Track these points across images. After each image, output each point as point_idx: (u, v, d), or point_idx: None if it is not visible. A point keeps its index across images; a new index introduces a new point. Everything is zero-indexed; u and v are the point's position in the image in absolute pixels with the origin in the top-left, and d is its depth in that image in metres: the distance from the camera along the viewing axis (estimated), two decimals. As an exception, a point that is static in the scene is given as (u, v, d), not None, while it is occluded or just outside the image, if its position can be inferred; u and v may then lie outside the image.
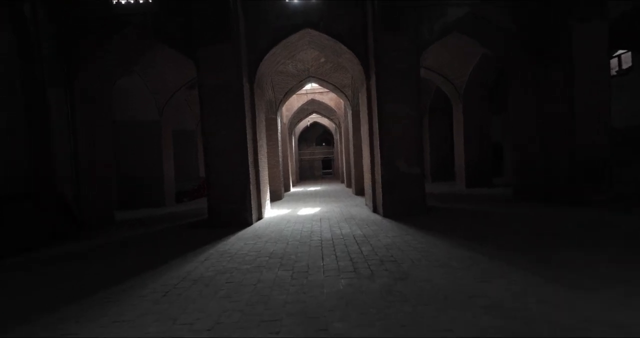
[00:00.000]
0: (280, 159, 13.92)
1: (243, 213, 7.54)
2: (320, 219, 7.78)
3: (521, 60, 8.88)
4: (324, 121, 26.95)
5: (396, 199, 7.50)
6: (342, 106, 17.99)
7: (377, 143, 7.75)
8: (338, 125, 21.95)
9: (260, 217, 8.38)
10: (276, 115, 13.35)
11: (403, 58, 7.67)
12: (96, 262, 5.04)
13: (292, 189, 19.45)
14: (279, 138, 13.79)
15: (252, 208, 7.74)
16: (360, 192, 13.08)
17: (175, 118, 13.98)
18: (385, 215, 7.48)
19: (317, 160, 36.85)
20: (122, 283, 3.83)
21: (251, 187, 7.71)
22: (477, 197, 9.80)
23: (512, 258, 3.91)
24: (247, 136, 7.64)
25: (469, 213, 7.33)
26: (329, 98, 18.88)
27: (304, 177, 36.17)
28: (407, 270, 3.74)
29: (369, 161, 8.52)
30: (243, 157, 7.51)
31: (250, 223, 7.56)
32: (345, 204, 10.42)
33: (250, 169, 7.67)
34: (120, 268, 4.60)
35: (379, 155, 7.62)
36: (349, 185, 17.28)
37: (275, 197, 13.30)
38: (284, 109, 18.34)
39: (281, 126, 18.07)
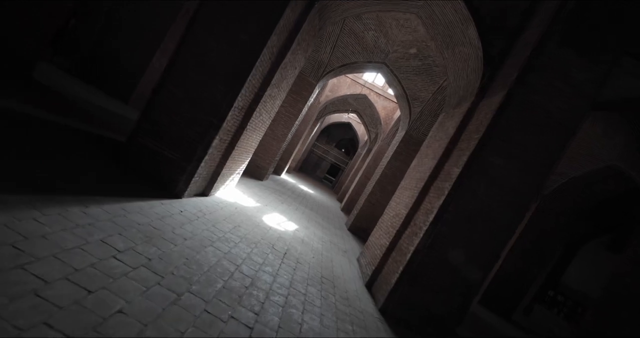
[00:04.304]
0: (290, 136, 10.59)
1: (179, 173, 4.27)
2: (284, 256, 4.46)
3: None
4: (360, 128, 23.55)
5: (416, 299, 4.20)
6: (393, 122, 14.66)
7: (436, 202, 4.43)
8: (372, 140, 18.56)
9: (204, 192, 5.10)
10: (317, 82, 9.98)
11: (565, 97, 4.41)
12: None
13: (283, 175, 16.13)
14: (304, 111, 10.42)
15: (198, 174, 4.47)
16: (358, 231, 9.74)
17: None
18: (386, 308, 4.19)
19: (327, 161, 33.42)
20: None
21: (217, 141, 4.45)
22: (500, 335, 6.48)
23: None
24: (256, 68, 4.36)
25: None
26: (382, 106, 15.55)
27: (303, 170, 32.88)
28: None
29: (402, 213, 5.25)
30: (232, 91, 4.24)
31: (177, 196, 4.30)
32: (332, 241, 7.02)
33: (231, 112, 4.39)
34: None
35: (429, 222, 4.30)
36: (346, 212, 13.82)
37: (256, 176, 10.00)
38: (328, 86, 14.98)
39: (314, 101, 14.73)
